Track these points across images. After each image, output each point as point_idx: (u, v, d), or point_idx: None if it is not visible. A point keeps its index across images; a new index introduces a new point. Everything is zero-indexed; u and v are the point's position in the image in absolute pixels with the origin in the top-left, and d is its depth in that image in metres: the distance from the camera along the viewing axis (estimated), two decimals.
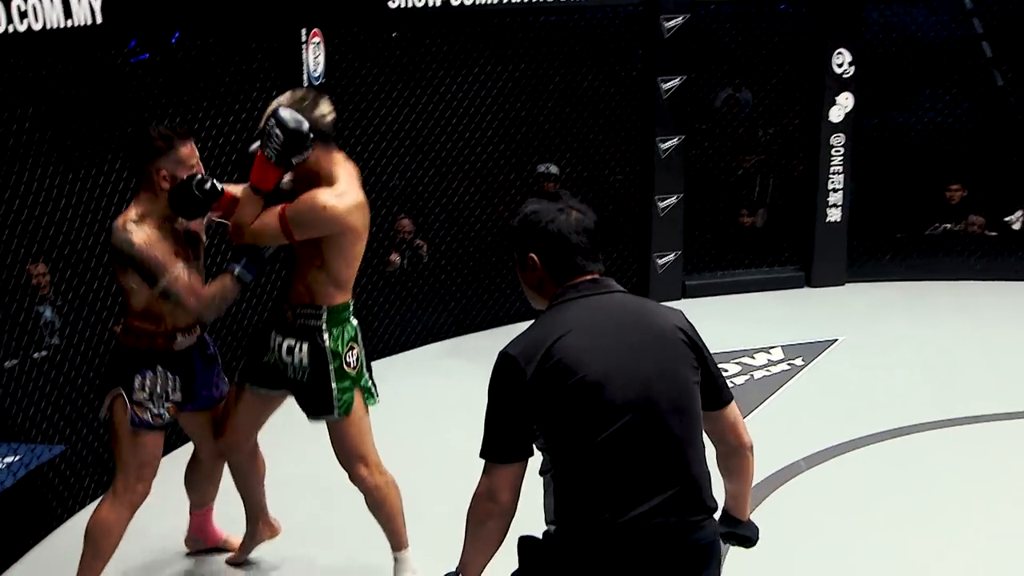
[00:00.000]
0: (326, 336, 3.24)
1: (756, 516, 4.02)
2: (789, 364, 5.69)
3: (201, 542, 3.88)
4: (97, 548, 3.41)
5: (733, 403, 2.39)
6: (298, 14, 4.92)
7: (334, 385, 3.27)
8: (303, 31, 4.91)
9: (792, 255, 7.02)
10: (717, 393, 2.35)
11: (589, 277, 2.31)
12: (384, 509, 3.47)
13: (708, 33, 6.75)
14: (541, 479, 2.31)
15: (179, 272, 3.24)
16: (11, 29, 3.55)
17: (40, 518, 4.04)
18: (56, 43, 3.77)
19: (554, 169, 6.72)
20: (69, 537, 3.93)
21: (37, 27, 3.65)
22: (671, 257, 6.67)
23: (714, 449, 2.40)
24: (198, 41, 4.63)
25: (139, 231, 3.22)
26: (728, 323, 6.25)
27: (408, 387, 5.38)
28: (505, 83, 6.14)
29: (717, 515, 2.34)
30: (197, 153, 3.30)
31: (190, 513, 3.82)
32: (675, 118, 6.47)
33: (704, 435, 2.32)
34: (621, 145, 6.75)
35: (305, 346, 3.25)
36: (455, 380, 5.47)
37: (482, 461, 2.28)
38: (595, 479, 2.19)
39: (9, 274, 3.96)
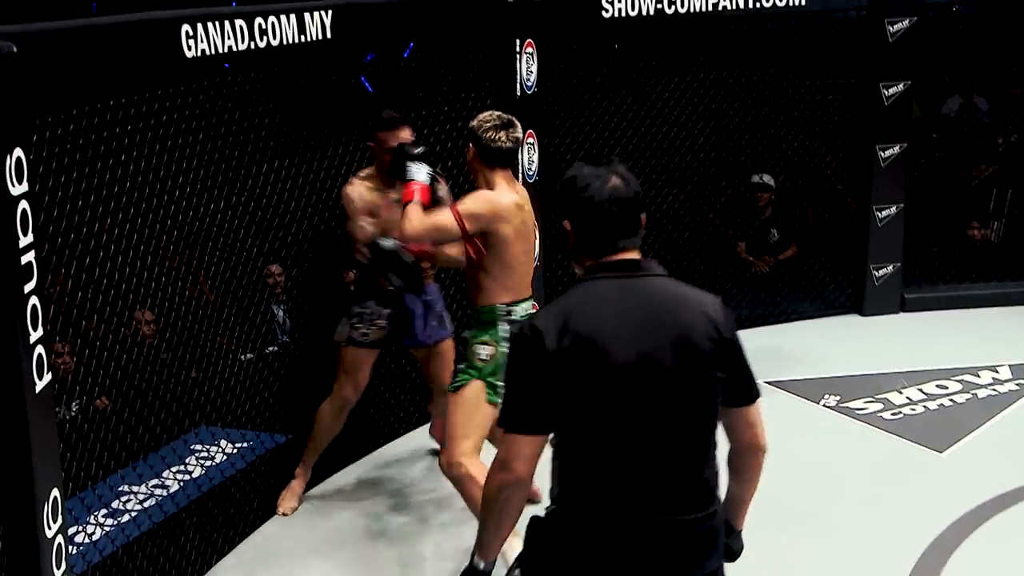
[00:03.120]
0: (472, 329, 3.65)
1: (979, 537, 3.93)
2: (1018, 384, 5.34)
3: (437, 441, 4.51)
4: (316, 430, 4.35)
5: (758, 403, 2.29)
6: (513, 25, 5.05)
7: (460, 365, 3.64)
8: (517, 41, 5.04)
9: None
10: (744, 390, 2.26)
11: (624, 256, 2.23)
12: (467, 502, 3.60)
13: (938, 37, 6.43)
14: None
15: (363, 223, 4.04)
16: (252, 45, 3.83)
17: (264, 500, 4.33)
18: (291, 57, 4.04)
19: (768, 179, 6.58)
20: (285, 521, 4.22)
21: (275, 43, 3.93)
22: (889, 269, 6.40)
23: (728, 446, 2.32)
24: (418, 53, 4.86)
25: (350, 184, 4.17)
26: (950, 338, 5.94)
27: None
28: (719, 91, 6.08)
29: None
30: (405, 140, 3.99)
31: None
32: (897, 125, 6.21)
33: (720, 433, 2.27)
34: (839, 153, 6.55)
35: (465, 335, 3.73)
36: None
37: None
38: (595, 466, 2.15)
39: (250, 275, 4.27)
